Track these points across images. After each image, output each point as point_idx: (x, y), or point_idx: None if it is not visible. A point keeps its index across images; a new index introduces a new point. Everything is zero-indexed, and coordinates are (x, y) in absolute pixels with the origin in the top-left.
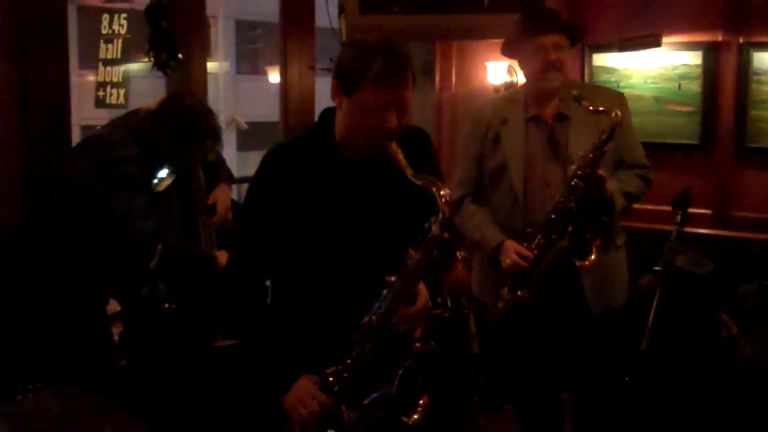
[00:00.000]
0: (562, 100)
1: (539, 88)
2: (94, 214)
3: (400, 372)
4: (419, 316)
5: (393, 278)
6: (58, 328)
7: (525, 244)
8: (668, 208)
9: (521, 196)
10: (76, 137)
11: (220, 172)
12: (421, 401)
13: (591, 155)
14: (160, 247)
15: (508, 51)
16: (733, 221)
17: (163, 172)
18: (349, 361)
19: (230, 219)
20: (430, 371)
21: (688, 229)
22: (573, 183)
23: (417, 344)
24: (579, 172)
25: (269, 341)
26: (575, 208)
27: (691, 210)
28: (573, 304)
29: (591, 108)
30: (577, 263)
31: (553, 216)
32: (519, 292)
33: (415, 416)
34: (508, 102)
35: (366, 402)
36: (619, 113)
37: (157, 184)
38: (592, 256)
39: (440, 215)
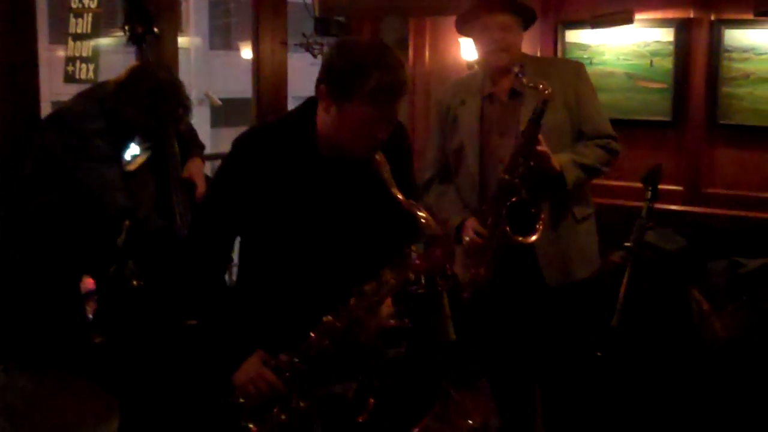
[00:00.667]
0: (516, 79)
1: (488, 66)
2: (64, 188)
3: (361, 378)
4: (377, 333)
5: (365, 288)
6: (30, 306)
7: (479, 222)
8: (639, 185)
9: (477, 175)
10: (46, 113)
11: (191, 145)
12: (370, 401)
13: (525, 131)
14: (127, 223)
15: (460, 29)
16: (704, 198)
17: (136, 149)
18: (304, 351)
19: (201, 187)
20: (389, 376)
21: (659, 206)
22: (513, 159)
23: (391, 321)
24: (519, 149)
25: (223, 318)
26: (519, 184)
27: (662, 186)
28: (530, 280)
29: (527, 84)
30: (521, 240)
31: (499, 192)
32: (478, 270)
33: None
34: (467, 82)
35: (318, 394)
36: (549, 89)
37: (130, 161)
38: (535, 235)
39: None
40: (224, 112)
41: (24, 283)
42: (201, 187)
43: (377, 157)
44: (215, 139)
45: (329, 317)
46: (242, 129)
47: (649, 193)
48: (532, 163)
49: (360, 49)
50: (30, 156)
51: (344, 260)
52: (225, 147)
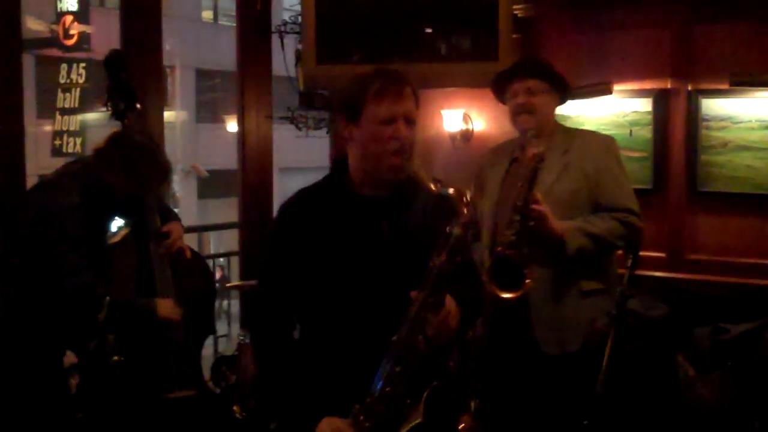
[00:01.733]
0: (542, 143)
1: (517, 130)
2: (40, 261)
3: (426, 394)
4: (448, 325)
5: (417, 293)
6: (13, 381)
7: None
8: (620, 252)
9: (491, 239)
10: None
11: (170, 217)
12: (462, 424)
13: (520, 188)
14: (107, 298)
15: (497, 97)
16: (687, 264)
17: (120, 222)
18: (378, 392)
19: (186, 250)
20: (462, 390)
21: (642, 272)
22: (512, 217)
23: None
24: (515, 206)
25: (295, 384)
26: (516, 241)
27: (645, 253)
28: (526, 345)
29: (535, 144)
30: (502, 294)
31: (497, 249)
32: (470, 332)
33: None
34: (502, 147)
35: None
36: (538, 153)
37: (113, 234)
38: (524, 288)
39: (460, 217)
40: (211, 183)
41: (7, 357)
42: (175, 239)
43: (416, 168)
44: (202, 211)
45: (393, 338)
46: (229, 200)
47: (630, 260)
48: (531, 223)
49: (361, 73)
50: (13, 230)
51: (399, 297)
52: (212, 218)
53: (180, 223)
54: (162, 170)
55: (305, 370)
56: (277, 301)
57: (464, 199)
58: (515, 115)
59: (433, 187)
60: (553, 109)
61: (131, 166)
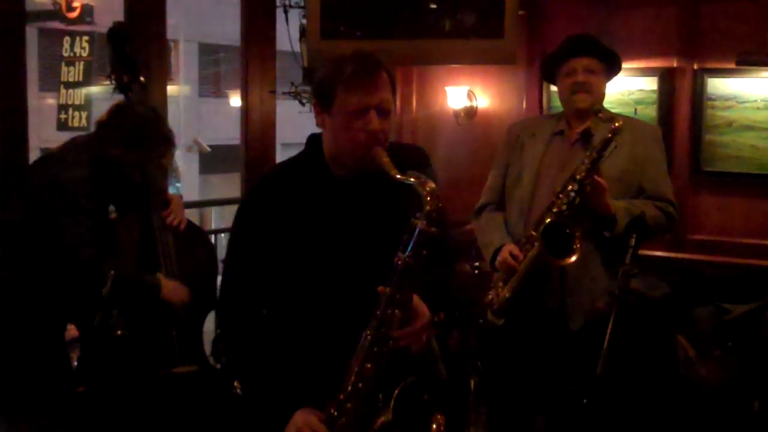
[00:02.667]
0: (594, 122)
1: (570, 109)
2: (45, 233)
3: (396, 393)
4: (420, 334)
5: (384, 288)
6: (14, 354)
7: (522, 246)
8: None
9: (527, 204)
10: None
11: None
12: (434, 422)
13: (589, 158)
14: (112, 273)
15: (545, 75)
16: (689, 244)
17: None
18: (349, 387)
19: (184, 221)
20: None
21: (645, 252)
22: (569, 186)
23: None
24: (576, 176)
25: (266, 373)
26: (566, 210)
27: None
28: (554, 319)
29: (603, 118)
30: (555, 261)
31: (545, 217)
32: (500, 293)
33: None
34: (542, 120)
35: (373, 429)
36: (621, 123)
37: (114, 210)
38: (574, 256)
39: (425, 210)
40: (213, 158)
41: (8, 330)
42: (175, 209)
43: (377, 153)
44: (204, 186)
45: (361, 338)
46: (231, 175)
47: (633, 240)
48: (588, 190)
49: (336, 55)
50: (16, 202)
51: (375, 281)
52: (214, 193)
53: (180, 197)
54: (164, 141)
55: (276, 356)
56: (246, 285)
57: (429, 190)
58: (571, 93)
59: (397, 176)
60: (605, 89)
61: (133, 137)
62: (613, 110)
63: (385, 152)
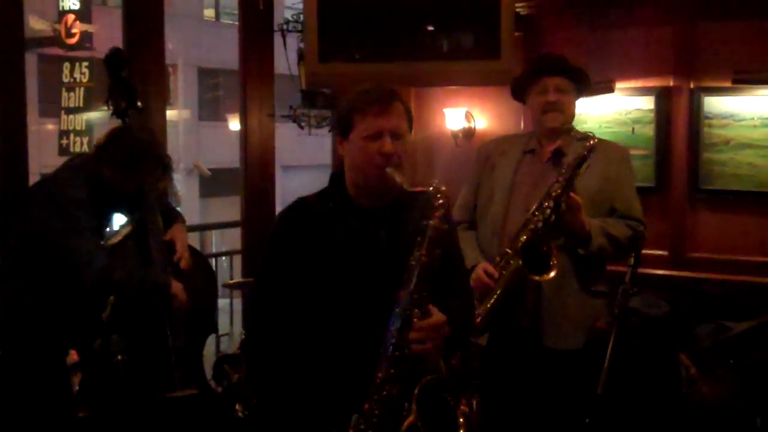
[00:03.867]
0: (564, 140)
1: (541, 128)
2: (47, 257)
3: (416, 392)
4: (435, 331)
5: (401, 291)
6: (16, 379)
7: (496, 264)
8: None
9: (500, 223)
10: None
11: (172, 216)
12: (460, 427)
13: (564, 175)
14: (112, 298)
15: (516, 94)
16: (689, 262)
17: (122, 220)
18: (375, 396)
19: (188, 258)
20: (457, 387)
21: (645, 271)
22: (545, 203)
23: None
24: (552, 192)
25: (293, 397)
26: (542, 228)
27: (647, 251)
28: (528, 335)
29: (575, 136)
30: (533, 278)
31: (520, 234)
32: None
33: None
34: (512, 138)
35: None
36: (596, 141)
37: (114, 234)
38: (552, 272)
39: (434, 208)
40: (213, 182)
41: (10, 355)
42: (181, 250)
43: (390, 170)
44: (204, 209)
45: (383, 346)
46: (231, 199)
47: (632, 258)
48: (562, 208)
49: (357, 89)
50: (14, 227)
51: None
52: (214, 217)
53: (183, 223)
54: (161, 165)
55: (301, 380)
56: (274, 317)
57: (438, 191)
58: (543, 113)
59: (406, 186)
60: (575, 109)
61: (129, 161)
62: (610, 130)
63: (398, 172)
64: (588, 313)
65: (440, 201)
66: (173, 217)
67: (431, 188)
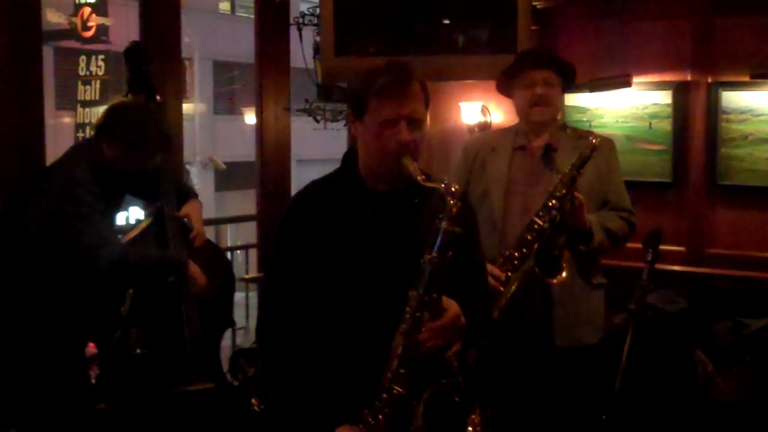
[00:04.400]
0: (552, 134)
1: (528, 122)
2: (60, 244)
3: (425, 397)
4: (449, 330)
5: (412, 291)
6: (35, 371)
7: (500, 266)
8: (640, 246)
9: (500, 222)
10: None
11: (185, 192)
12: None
13: (568, 175)
14: (131, 291)
15: (502, 87)
16: (706, 258)
17: (139, 214)
18: (384, 394)
19: (203, 233)
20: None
21: (662, 267)
22: (549, 203)
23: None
24: (556, 193)
25: (304, 387)
26: (548, 229)
27: (664, 247)
28: (539, 336)
29: (572, 135)
30: (547, 281)
31: (526, 235)
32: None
33: None
34: (499, 134)
35: None
36: (599, 139)
37: (132, 228)
38: (564, 273)
39: (448, 210)
40: (228, 176)
41: (29, 348)
42: (197, 229)
43: (405, 160)
44: (219, 203)
45: (393, 343)
46: (246, 193)
47: (650, 254)
48: (567, 208)
49: (369, 66)
50: (28, 215)
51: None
52: (229, 210)
53: (196, 198)
54: (162, 139)
55: (314, 370)
56: (286, 303)
57: (451, 191)
58: (530, 105)
59: (420, 179)
60: (561, 102)
61: (129, 137)
62: (627, 125)
63: (413, 161)
64: (594, 308)
65: (452, 201)
66: (186, 192)
67: (443, 186)
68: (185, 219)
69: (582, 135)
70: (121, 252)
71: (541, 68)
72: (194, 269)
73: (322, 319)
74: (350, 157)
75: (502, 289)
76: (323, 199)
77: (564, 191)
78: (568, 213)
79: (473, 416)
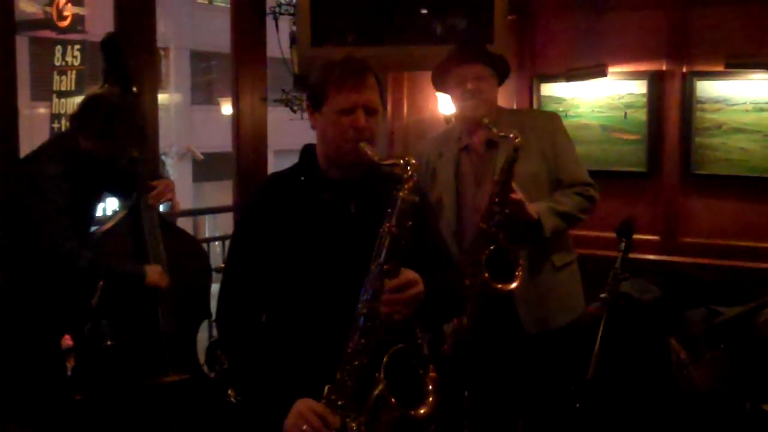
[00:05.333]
0: (487, 128)
1: (464, 117)
2: (26, 237)
3: (385, 360)
4: (408, 299)
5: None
6: (10, 363)
7: None
8: (614, 235)
9: (454, 224)
10: None
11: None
12: (429, 394)
13: (498, 180)
14: (101, 283)
15: (437, 84)
16: (680, 247)
17: (115, 205)
18: (347, 366)
19: (177, 204)
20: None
21: (636, 256)
22: (489, 209)
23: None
24: (494, 198)
25: (264, 375)
26: (496, 233)
27: (638, 236)
28: (509, 326)
29: (497, 134)
30: (500, 287)
31: (477, 242)
32: (460, 321)
33: (423, 408)
34: (445, 136)
35: (371, 403)
36: (519, 137)
37: (108, 218)
38: (515, 282)
39: (404, 179)
40: (206, 166)
41: (4, 340)
42: (162, 188)
43: (362, 145)
44: (198, 193)
45: (355, 314)
46: (224, 183)
47: (623, 244)
48: (507, 211)
49: (326, 61)
50: (2, 209)
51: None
52: (207, 201)
53: (171, 181)
54: (134, 130)
55: (275, 353)
56: (245, 289)
57: (408, 164)
58: (462, 101)
59: (376, 159)
60: (497, 94)
61: (104, 126)
62: (602, 115)
63: (370, 146)
64: (562, 288)
65: (410, 173)
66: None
67: (401, 161)
68: (157, 193)
69: (504, 135)
70: (75, 254)
71: (470, 62)
72: (153, 274)
73: (282, 305)
74: (308, 150)
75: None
76: (282, 188)
77: (501, 195)
78: (510, 214)
79: (430, 374)
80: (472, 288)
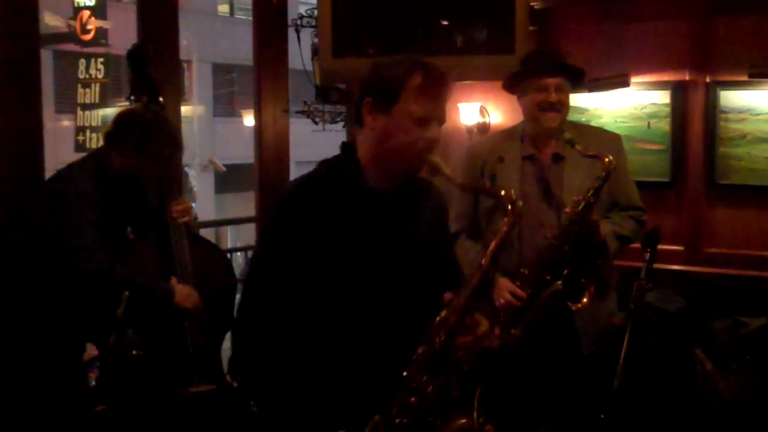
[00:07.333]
0: (559, 141)
1: (537, 127)
2: (57, 251)
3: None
4: (477, 343)
5: (450, 296)
6: (33, 374)
7: (518, 284)
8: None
9: (515, 238)
10: None
11: None
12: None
13: (584, 201)
14: (126, 293)
15: (509, 86)
16: (705, 257)
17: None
18: (402, 401)
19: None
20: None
21: (660, 266)
22: (567, 227)
23: (494, 340)
24: (574, 217)
25: (290, 393)
26: (569, 251)
27: (663, 247)
28: (565, 345)
29: (584, 152)
30: (570, 306)
31: (546, 258)
32: (512, 331)
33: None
34: (505, 139)
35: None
36: (611, 159)
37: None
38: (585, 300)
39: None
40: (228, 178)
41: (27, 350)
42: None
43: (434, 158)
44: (220, 205)
45: (420, 349)
46: (246, 195)
47: (648, 254)
48: (578, 230)
49: (401, 58)
50: (30, 223)
51: (408, 295)
52: (229, 212)
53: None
54: (172, 143)
55: (311, 378)
56: (269, 303)
57: (509, 198)
58: (541, 111)
59: (457, 185)
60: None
61: (139, 142)
62: (626, 125)
63: (442, 161)
64: (612, 309)
65: (512, 207)
66: None
67: (501, 192)
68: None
69: (594, 154)
70: (107, 270)
71: (555, 74)
72: (182, 293)
73: (314, 327)
74: (349, 149)
75: (518, 304)
76: (318, 195)
77: (581, 216)
78: (586, 235)
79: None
80: (530, 301)
